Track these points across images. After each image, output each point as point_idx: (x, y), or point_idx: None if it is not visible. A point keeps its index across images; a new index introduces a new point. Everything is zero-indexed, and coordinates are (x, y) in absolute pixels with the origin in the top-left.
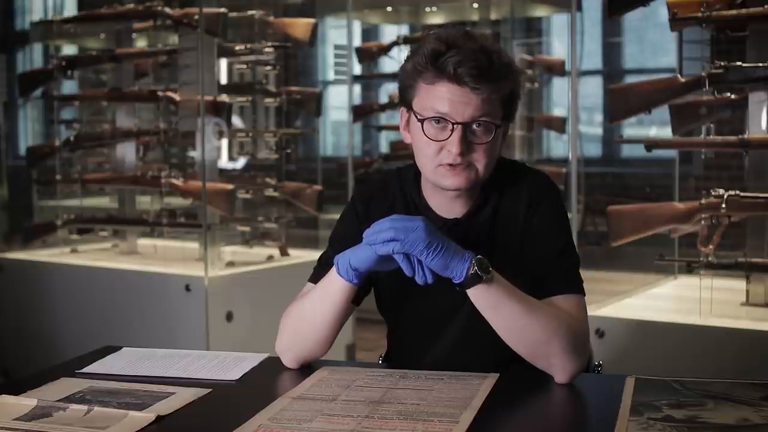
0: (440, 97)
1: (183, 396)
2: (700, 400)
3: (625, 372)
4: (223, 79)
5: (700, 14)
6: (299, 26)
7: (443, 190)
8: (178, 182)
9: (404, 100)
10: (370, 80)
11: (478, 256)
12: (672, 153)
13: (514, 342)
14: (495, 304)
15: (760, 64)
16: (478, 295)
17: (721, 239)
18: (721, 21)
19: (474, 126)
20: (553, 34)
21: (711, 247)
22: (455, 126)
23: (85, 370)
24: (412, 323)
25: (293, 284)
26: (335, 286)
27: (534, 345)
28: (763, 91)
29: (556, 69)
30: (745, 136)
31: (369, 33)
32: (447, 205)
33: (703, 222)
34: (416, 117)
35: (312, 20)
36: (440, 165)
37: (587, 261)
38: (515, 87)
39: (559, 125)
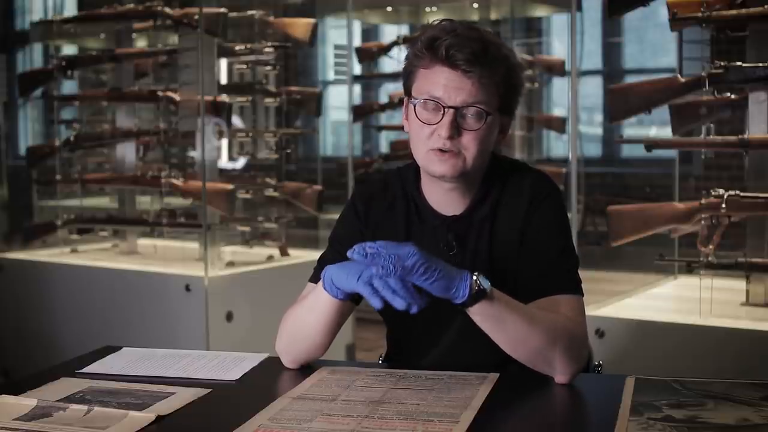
0: (435, 81)
1: (183, 396)
2: (700, 400)
3: (625, 372)
4: (223, 79)
5: (700, 14)
6: (299, 26)
7: (436, 180)
8: (178, 182)
9: (405, 89)
10: (370, 80)
11: (475, 273)
12: (672, 153)
13: (515, 351)
14: (497, 320)
15: (760, 64)
16: (479, 312)
17: (721, 239)
18: (721, 21)
19: (465, 111)
20: (553, 34)
21: (711, 247)
22: (447, 110)
23: (85, 370)
24: (411, 324)
25: (293, 284)
26: (322, 300)
27: (535, 353)
28: (763, 91)
29: (556, 69)
30: (745, 136)
31: (369, 33)
32: (445, 201)
33: (703, 222)
34: (412, 102)
35: (312, 20)
36: (430, 150)
37: (587, 261)
38: (513, 80)
39: (559, 125)
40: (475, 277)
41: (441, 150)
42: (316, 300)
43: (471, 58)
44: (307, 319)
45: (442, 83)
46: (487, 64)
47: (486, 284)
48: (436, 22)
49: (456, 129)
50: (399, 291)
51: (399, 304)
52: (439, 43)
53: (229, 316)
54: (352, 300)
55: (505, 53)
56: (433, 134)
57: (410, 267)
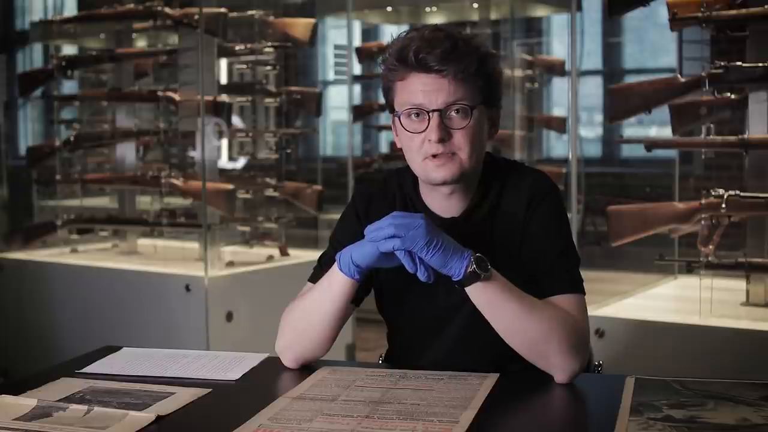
0: (413, 90)
1: (183, 396)
2: (700, 400)
3: (625, 372)
4: (223, 79)
5: (700, 14)
6: (299, 26)
7: (436, 186)
8: (178, 182)
9: (388, 105)
10: (370, 80)
11: (477, 255)
12: (672, 153)
13: (513, 341)
14: (494, 303)
15: (760, 64)
16: (476, 293)
17: (721, 239)
18: (721, 21)
19: (450, 112)
20: (553, 34)
21: (711, 247)
22: (431, 114)
23: (85, 370)
24: (412, 323)
25: (293, 284)
26: (337, 283)
27: (534, 344)
28: (763, 91)
29: (556, 69)
30: (745, 136)
31: (369, 33)
32: (444, 204)
33: (703, 222)
34: (397, 115)
35: (312, 20)
36: (425, 158)
37: (587, 261)
38: (489, 69)
39: (559, 125)
40: (473, 258)
41: (435, 155)
42: (327, 286)
43: (442, 56)
44: (317, 307)
45: (420, 89)
46: (459, 59)
47: (483, 268)
48: (401, 35)
49: (445, 131)
50: (404, 258)
51: (408, 265)
52: (407, 51)
53: (229, 316)
54: (354, 301)
55: (475, 45)
56: (423, 142)
57: (411, 237)
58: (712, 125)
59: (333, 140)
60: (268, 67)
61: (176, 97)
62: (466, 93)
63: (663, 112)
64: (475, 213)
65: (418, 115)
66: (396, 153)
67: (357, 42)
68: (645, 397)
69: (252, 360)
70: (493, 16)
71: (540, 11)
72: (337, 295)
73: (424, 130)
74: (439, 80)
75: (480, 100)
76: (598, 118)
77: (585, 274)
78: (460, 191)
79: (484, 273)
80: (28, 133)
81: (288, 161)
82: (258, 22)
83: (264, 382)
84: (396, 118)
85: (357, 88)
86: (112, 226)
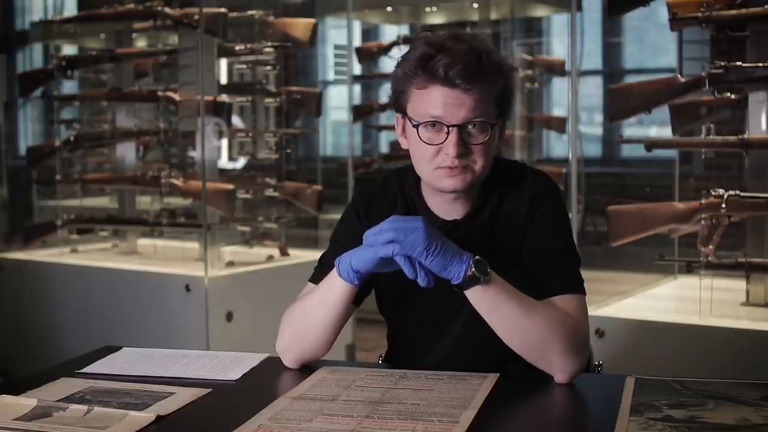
0: (433, 101)
1: (183, 396)
2: (700, 400)
3: (625, 372)
4: (223, 79)
5: (700, 14)
6: (299, 26)
7: (442, 192)
8: (178, 182)
9: (398, 106)
10: (370, 80)
11: (477, 258)
12: (672, 153)
13: (513, 343)
14: (493, 306)
15: (760, 64)
16: (475, 296)
17: (721, 239)
18: (721, 21)
19: (469, 127)
20: (553, 34)
21: (711, 247)
22: (450, 128)
23: (85, 370)
24: (412, 324)
25: (293, 284)
26: (336, 288)
27: (533, 345)
28: (763, 91)
29: (556, 69)
30: (745, 136)
31: (369, 33)
32: (446, 207)
33: (703, 222)
34: (411, 122)
35: (312, 20)
36: (438, 168)
37: (587, 261)
38: (508, 84)
39: (559, 125)
40: (472, 261)
41: (449, 167)
42: (327, 291)
43: (468, 74)
44: (317, 311)
45: (441, 101)
46: (485, 79)
47: (483, 271)
48: (421, 36)
49: (463, 146)
50: (403, 264)
51: (408, 271)
52: (433, 63)
53: (229, 316)
54: (354, 301)
55: (497, 60)
56: (439, 153)
57: (411, 241)
58: (712, 125)
59: (333, 140)
60: (268, 67)
61: (176, 97)
62: (486, 109)
63: (663, 112)
64: (477, 215)
65: (434, 125)
66: (396, 153)
67: (357, 42)
68: (645, 397)
69: (252, 360)
70: (493, 16)
71: (540, 11)
72: (337, 300)
73: (441, 143)
74: (462, 96)
75: (496, 113)
76: (598, 118)
77: (585, 274)
78: (465, 196)
79: (483, 276)
80: (28, 133)
81: (288, 161)
82: (258, 22)
83: (264, 382)
84: (410, 124)
85: (357, 88)
86: (112, 226)
